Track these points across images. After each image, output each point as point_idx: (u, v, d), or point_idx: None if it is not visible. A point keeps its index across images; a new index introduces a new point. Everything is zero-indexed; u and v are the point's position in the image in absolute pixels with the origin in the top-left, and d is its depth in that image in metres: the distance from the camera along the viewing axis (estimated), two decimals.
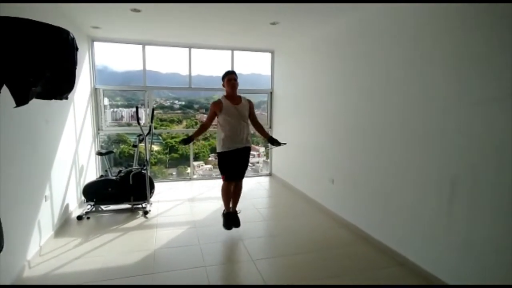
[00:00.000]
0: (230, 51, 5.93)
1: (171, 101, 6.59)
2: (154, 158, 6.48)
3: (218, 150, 3.43)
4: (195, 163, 6.44)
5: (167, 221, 3.97)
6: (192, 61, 5.78)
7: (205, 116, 6.76)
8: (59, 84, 2.03)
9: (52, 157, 3.48)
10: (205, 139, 6.63)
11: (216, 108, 3.32)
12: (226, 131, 3.32)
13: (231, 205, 3.61)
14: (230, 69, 3.49)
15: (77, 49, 2.09)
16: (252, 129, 3.57)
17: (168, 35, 5.03)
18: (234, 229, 3.60)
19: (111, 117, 5.95)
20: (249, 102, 3.48)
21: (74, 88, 4.29)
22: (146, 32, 4.80)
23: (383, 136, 3.19)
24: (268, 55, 6.25)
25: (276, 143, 3.41)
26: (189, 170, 6.35)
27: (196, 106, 6.62)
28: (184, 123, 6.49)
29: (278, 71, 6.16)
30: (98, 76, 5.39)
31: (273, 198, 5.21)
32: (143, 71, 5.55)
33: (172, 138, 6.49)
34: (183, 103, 6.58)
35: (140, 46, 5.44)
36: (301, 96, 5.13)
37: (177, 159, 6.60)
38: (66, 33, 1.95)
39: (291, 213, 4.32)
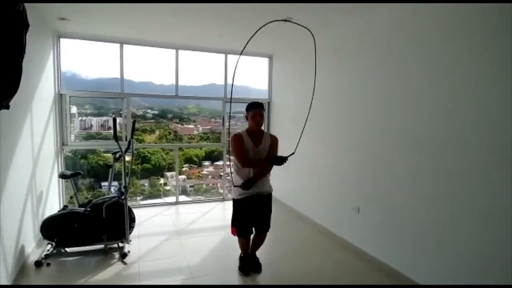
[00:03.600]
0: (223, 55, 5.19)
1: (144, 110, 6.07)
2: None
3: (232, 196, 2.90)
4: (168, 174, 6.00)
5: (153, 269, 3.04)
6: (179, 66, 5.00)
7: (179, 126, 6.08)
8: None
9: None
10: (180, 149, 5.95)
11: (235, 144, 2.76)
12: (243, 175, 2.79)
13: (249, 249, 2.98)
14: (256, 101, 2.93)
15: (26, 26, 1.24)
16: None
17: (154, 34, 4.22)
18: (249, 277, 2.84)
19: (79, 126, 5.21)
20: (273, 139, 2.95)
21: (31, 93, 3.33)
22: (125, 27, 3.96)
23: (438, 153, 2.53)
24: (265, 60, 5.57)
25: (282, 160, 2.73)
26: (162, 180, 5.98)
27: (169, 115, 6.19)
28: (157, 132, 6.03)
29: (277, 78, 5.47)
30: (64, 82, 4.42)
31: (279, 229, 4.33)
32: (121, 75, 4.67)
33: (144, 148, 5.91)
34: (156, 112, 6.13)
35: (117, 45, 4.57)
36: (309, 105, 4.43)
37: (149, 170, 6.10)
38: None
39: (306, 251, 3.55)
